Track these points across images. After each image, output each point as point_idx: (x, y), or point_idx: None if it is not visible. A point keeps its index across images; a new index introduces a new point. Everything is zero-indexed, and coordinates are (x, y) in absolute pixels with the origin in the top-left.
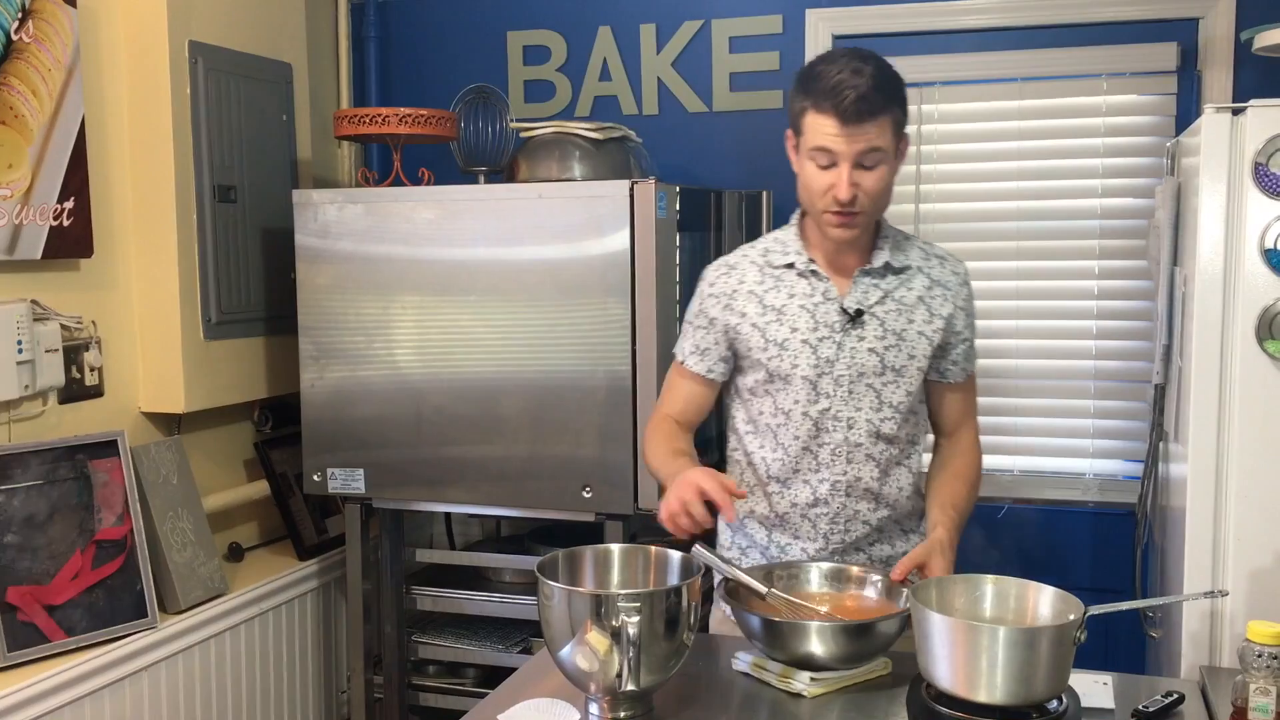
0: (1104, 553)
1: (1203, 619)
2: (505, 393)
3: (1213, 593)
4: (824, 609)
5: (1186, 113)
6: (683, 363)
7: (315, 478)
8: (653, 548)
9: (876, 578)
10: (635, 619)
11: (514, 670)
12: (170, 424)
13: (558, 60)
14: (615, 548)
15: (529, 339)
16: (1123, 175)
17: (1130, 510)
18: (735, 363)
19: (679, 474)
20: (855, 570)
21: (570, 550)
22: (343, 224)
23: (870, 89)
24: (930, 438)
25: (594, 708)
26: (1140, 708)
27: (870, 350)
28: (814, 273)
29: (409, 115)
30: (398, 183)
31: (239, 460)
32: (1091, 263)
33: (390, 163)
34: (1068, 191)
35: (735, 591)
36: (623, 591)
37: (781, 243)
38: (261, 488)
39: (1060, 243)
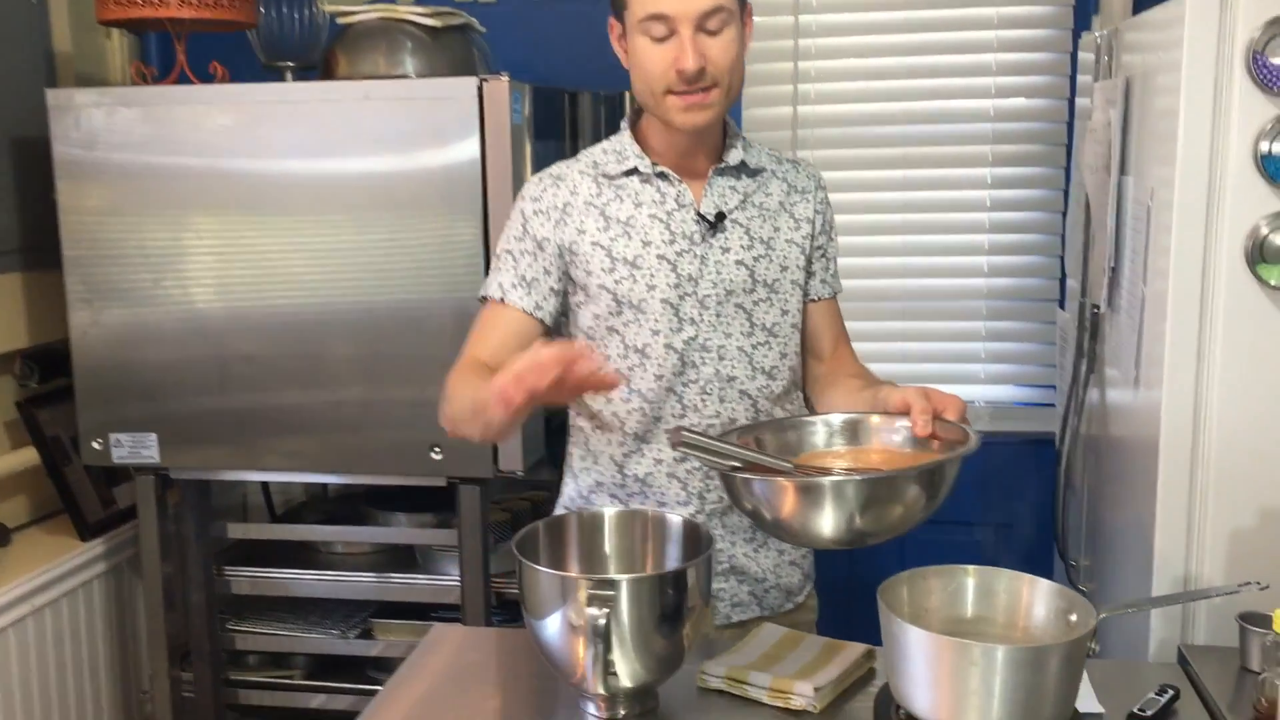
0: (996, 482)
1: (1174, 587)
2: (330, 335)
3: (1249, 584)
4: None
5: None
6: (502, 300)
7: (95, 445)
8: (649, 510)
9: (900, 423)
10: (607, 610)
11: (353, 659)
12: None
13: None
14: (607, 512)
15: (358, 268)
16: (1018, 73)
17: (1025, 439)
18: (568, 300)
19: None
20: (874, 420)
21: (551, 519)
22: (114, 132)
23: None
24: None
25: (590, 707)
26: (1136, 711)
27: (738, 263)
28: (662, 175)
29: None
30: (184, 81)
31: None
32: (984, 170)
33: (173, 56)
34: (958, 91)
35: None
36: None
37: (615, 151)
38: (29, 456)
39: (950, 149)
